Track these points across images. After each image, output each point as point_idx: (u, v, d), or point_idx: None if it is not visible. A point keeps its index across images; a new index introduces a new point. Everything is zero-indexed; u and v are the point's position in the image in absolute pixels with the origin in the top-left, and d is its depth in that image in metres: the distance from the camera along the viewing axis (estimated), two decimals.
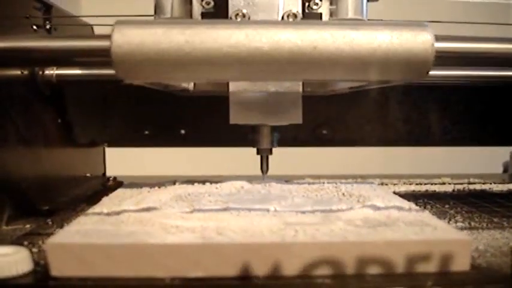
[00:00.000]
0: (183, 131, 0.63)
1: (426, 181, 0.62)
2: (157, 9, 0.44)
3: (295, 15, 0.42)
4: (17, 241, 0.36)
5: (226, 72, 0.35)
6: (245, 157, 0.81)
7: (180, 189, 0.44)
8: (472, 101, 0.65)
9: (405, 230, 0.31)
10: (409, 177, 0.65)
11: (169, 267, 0.28)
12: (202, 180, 0.48)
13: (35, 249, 0.33)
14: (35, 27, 0.49)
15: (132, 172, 0.63)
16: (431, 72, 0.35)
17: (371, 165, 0.82)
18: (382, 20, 0.43)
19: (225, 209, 0.36)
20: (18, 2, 0.48)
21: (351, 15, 0.44)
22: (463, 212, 0.45)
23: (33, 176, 0.47)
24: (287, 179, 0.50)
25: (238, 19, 0.42)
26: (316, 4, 0.43)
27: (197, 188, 0.45)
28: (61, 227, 0.40)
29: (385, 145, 0.67)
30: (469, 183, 0.62)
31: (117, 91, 0.61)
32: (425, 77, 0.35)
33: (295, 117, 0.46)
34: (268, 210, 0.36)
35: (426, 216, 0.34)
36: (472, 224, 0.41)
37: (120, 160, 0.66)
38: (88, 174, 0.62)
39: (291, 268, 0.28)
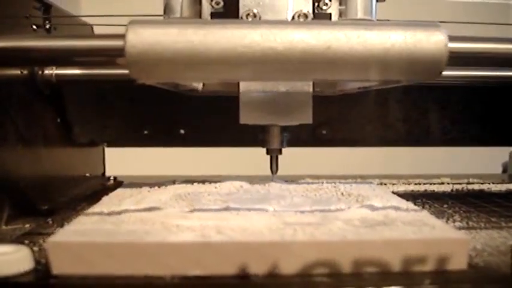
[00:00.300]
0: (182, 131, 0.64)
1: (425, 181, 0.63)
2: (167, 9, 0.44)
3: (305, 16, 0.43)
4: (17, 240, 0.37)
5: (240, 72, 0.35)
6: (245, 157, 0.82)
7: (179, 188, 0.44)
8: (472, 101, 0.65)
9: (403, 229, 0.31)
10: (408, 177, 0.66)
11: (169, 265, 0.28)
12: (202, 180, 0.48)
13: (35, 248, 0.34)
14: (34, 26, 0.50)
15: (132, 172, 0.64)
16: None
17: (371, 166, 0.82)
18: (388, 20, 0.44)
19: (225, 209, 0.37)
20: (18, 2, 0.48)
21: (360, 15, 0.44)
22: (461, 211, 0.46)
23: (33, 176, 0.48)
24: (287, 179, 0.51)
25: (249, 19, 0.42)
26: (326, 4, 0.44)
27: (197, 187, 0.45)
28: (61, 226, 0.40)
29: (385, 145, 0.68)
30: (468, 183, 0.62)
31: (117, 91, 0.62)
32: (438, 78, 0.35)
33: (306, 117, 0.46)
34: (267, 210, 0.36)
35: (424, 215, 0.35)
36: (470, 223, 0.41)
37: (119, 160, 0.67)
38: (87, 174, 0.63)
39: (289, 267, 0.29)
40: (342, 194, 0.43)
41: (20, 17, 0.48)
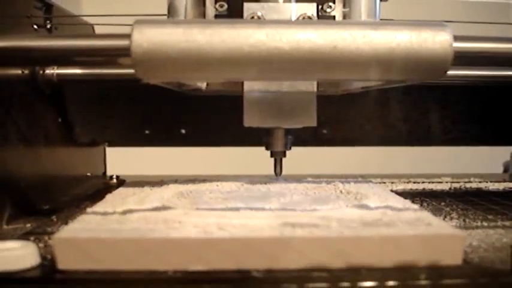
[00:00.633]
0: (183, 131, 0.65)
1: (423, 180, 0.64)
2: (171, 10, 0.45)
3: (310, 19, 0.43)
4: (23, 237, 0.38)
5: (245, 72, 0.35)
6: (246, 157, 0.83)
7: (181, 186, 0.46)
8: (472, 101, 0.66)
9: (400, 226, 0.32)
10: (409, 177, 0.67)
11: (171, 260, 0.29)
12: (203, 180, 0.49)
13: (41, 245, 0.35)
14: (35, 26, 0.51)
15: (132, 172, 0.65)
16: None
17: (371, 165, 0.84)
18: (390, 20, 0.45)
19: (226, 206, 0.38)
20: (19, 2, 0.49)
21: (364, 17, 0.45)
22: (459, 209, 0.47)
23: (34, 175, 0.49)
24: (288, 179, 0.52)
25: None
26: (330, 7, 0.44)
27: (198, 185, 0.47)
28: (65, 223, 0.41)
29: (385, 145, 0.69)
30: (466, 181, 0.63)
31: (118, 91, 0.63)
32: (443, 77, 0.36)
33: (310, 120, 0.46)
34: (267, 208, 0.38)
35: (421, 213, 0.36)
36: (467, 221, 0.43)
37: (120, 159, 0.68)
38: (88, 174, 0.64)
39: (289, 262, 0.30)
40: (341, 192, 0.44)
41: (21, 17, 0.49)
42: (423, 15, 0.54)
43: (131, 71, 0.53)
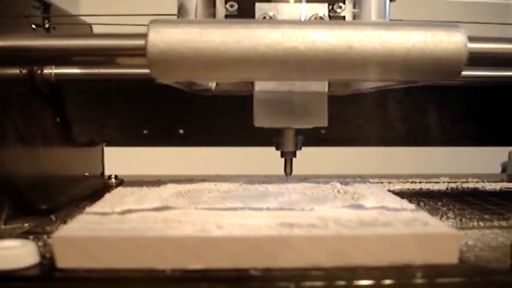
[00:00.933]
0: (181, 131, 0.65)
1: (422, 180, 0.65)
2: (181, 11, 0.45)
3: (321, 19, 0.44)
4: (22, 236, 0.38)
5: (261, 72, 0.35)
6: (244, 157, 0.83)
7: (180, 186, 0.46)
8: (471, 101, 0.67)
9: (397, 225, 0.33)
10: (408, 177, 0.67)
11: (170, 259, 0.30)
12: (201, 179, 0.50)
13: (40, 243, 0.35)
14: (33, 26, 0.51)
15: (131, 171, 0.65)
16: None
17: (370, 165, 0.84)
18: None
19: (224, 205, 0.39)
20: (17, 1, 0.50)
21: (373, 17, 0.45)
22: (455, 209, 0.48)
23: (32, 175, 0.49)
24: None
25: None
26: (340, 7, 0.45)
27: (197, 185, 0.47)
28: (64, 223, 0.42)
29: (384, 145, 0.69)
30: (463, 181, 0.64)
31: (116, 90, 0.63)
32: (457, 78, 0.36)
33: (321, 120, 0.46)
34: (265, 207, 0.38)
35: (418, 212, 0.37)
36: (463, 220, 0.43)
37: (118, 159, 0.68)
38: (86, 174, 0.64)
39: (286, 261, 0.30)
40: (339, 191, 0.45)
41: (20, 16, 0.49)
42: (423, 15, 0.54)
43: (130, 70, 0.54)
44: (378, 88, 0.48)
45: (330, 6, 0.45)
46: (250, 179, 0.50)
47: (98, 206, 0.38)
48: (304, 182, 0.49)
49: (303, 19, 0.44)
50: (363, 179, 0.54)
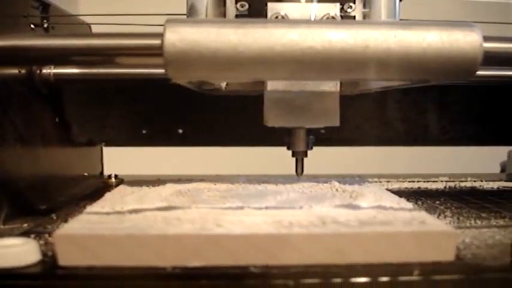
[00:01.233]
0: (180, 130, 0.66)
1: (419, 179, 0.65)
2: (191, 11, 0.45)
3: (333, 19, 0.44)
4: (23, 235, 0.39)
5: (278, 72, 0.36)
6: (244, 156, 0.84)
7: (180, 185, 0.47)
8: (470, 101, 0.67)
9: (395, 223, 0.34)
10: (406, 176, 0.68)
11: (170, 257, 0.31)
12: (201, 179, 0.51)
13: (41, 242, 0.36)
14: (32, 25, 0.52)
15: (130, 171, 0.66)
16: None
17: (369, 165, 0.85)
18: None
19: (224, 204, 0.39)
20: (16, 1, 0.50)
21: (384, 17, 0.45)
22: (453, 207, 0.49)
23: (31, 175, 0.50)
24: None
25: None
26: (350, 7, 0.45)
27: (196, 184, 0.48)
28: (65, 221, 0.42)
29: (383, 145, 0.70)
30: (460, 181, 0.65)
31: (115, 90, 0.64)
32: (472, 78, 0.37)
33: (333, 119, 0.46)
34: (264, 205, 0.39)
35: (416, 211, 0.38)
36: (461, 218, 0.44)
37: (117, 159, 0.69)
38: (85, 174, 0.65)
39: (286, 259, 0.31)
40: (337, 190, 0.46)
41: (19, 16, 0.50)
42: (423, 15, 0.55)
43: (129, 70, 0.55)
44: (387, 88, 0.49)
45: (340, 6, 0.45)
46: (249, 179, 0.51)
47: (99, 205, 0.39)
48: (303, 181, 0.50)
49: (313, 19, 0.44)
50: (361, 178, 0.55)
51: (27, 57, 0.42)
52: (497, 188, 0.61)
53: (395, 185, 0.62)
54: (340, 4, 0.45)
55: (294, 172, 0.51)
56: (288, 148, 0.49)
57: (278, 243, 0.31)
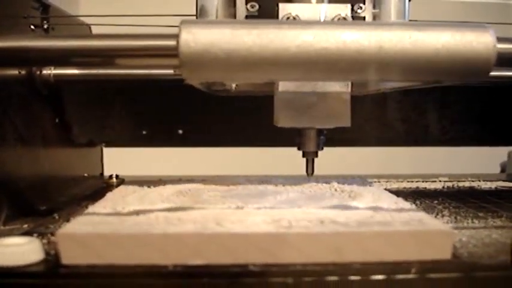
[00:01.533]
0: (180, 131, 0.67)
1: (418, 179, 0.66)
2: (201, 11, 0.46)
3: (344, 19, 0.44)
4: (26, 234, 0.39)
5: (292, 72, 0.36)
6: (244, 157, 0.85)
7: (181, 185, 0.48)
8: (471, 101, 0.68)
9: (392, 222, 0.35)
10: (407, 177, 0.69)
11: (172, 255, 0.32)
12: (202, 180, 0.52)
13: (44, 241, 0.37)
14: (32, 26, 0.52)
15: (130, 172, 0.66)
16: None
17: (369, 165, 0.85)
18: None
19: (224, 203, 0.40)
20: (16, 2, 0.51)
21: (393, 18, 0.45)
22: (451, 207, 0.50)
23: (31, 176, 0.50)
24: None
25: None
26: (361, 8, 0.45)
27: (197, 184, 0.49)
28: (67, 221, 0.43)
29: (384, 145, 0.71)
30: (459, 181, 0.66)
31: (115, 91, 0.65)
32: (485, 78, 0.37)
33: (344, 120, 0.47)
34: (264, 205, 0.40)
35: (413, 210, 0.39)
36: (458, 218, 0.45)
37: (117, 160, 0.70)
38: (86, 174, 0.66)
39: (285, 257, 0.32)
40: (336, 190, 0.47)
41: (19, 17, 0.51)
42: (423, 15, 0.56)
43: (129, 71, 0.56)
44: (397, 89, 0.49)
45: (350, 7, 0.45)
46: (250, 179, 0.52)
47: (101, 205, 0.40)
48: (303, 181, 0.51)
49: (323, 19, 0.44)
50: (361, 179, 0.56)
51: (28, 58, 0.42)
52: (496, 188, 0.62)
53: (394, 185, 0.63)
54: (351, 5, 0.45)
55: (293, 173, 0.52)
56: (299, 148, 0.49)
57: (277, 242, 0.32)
